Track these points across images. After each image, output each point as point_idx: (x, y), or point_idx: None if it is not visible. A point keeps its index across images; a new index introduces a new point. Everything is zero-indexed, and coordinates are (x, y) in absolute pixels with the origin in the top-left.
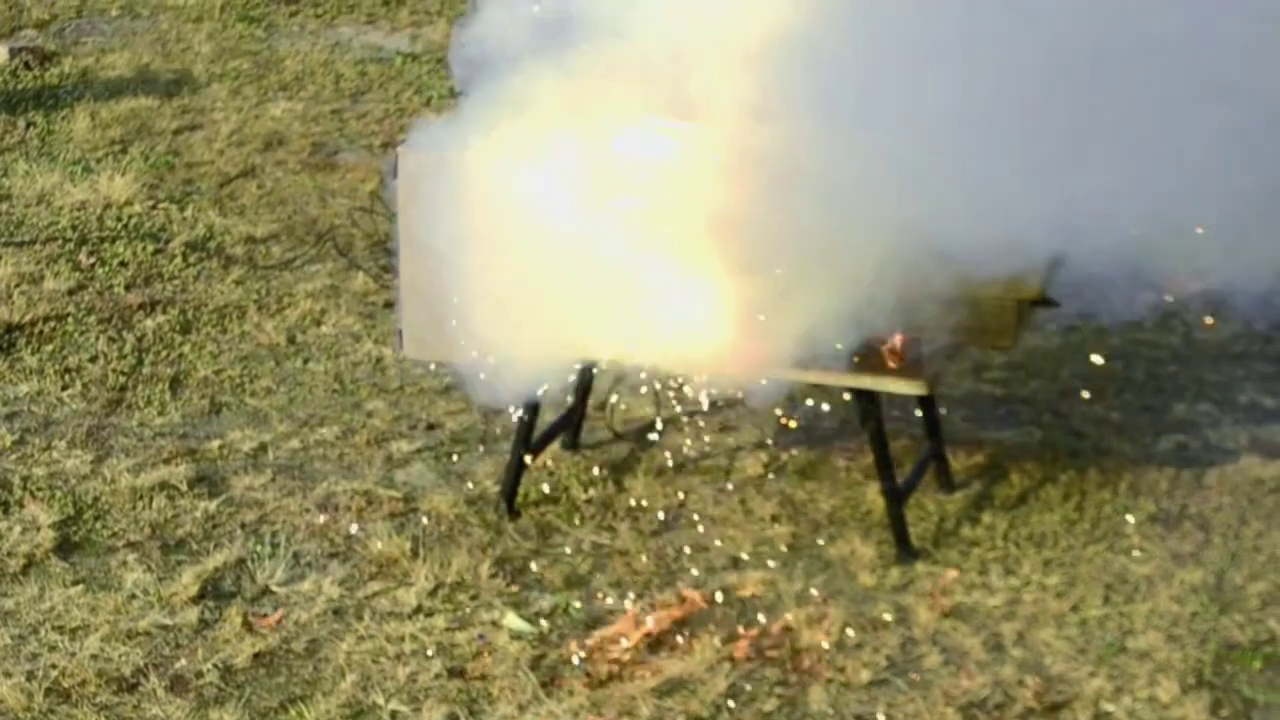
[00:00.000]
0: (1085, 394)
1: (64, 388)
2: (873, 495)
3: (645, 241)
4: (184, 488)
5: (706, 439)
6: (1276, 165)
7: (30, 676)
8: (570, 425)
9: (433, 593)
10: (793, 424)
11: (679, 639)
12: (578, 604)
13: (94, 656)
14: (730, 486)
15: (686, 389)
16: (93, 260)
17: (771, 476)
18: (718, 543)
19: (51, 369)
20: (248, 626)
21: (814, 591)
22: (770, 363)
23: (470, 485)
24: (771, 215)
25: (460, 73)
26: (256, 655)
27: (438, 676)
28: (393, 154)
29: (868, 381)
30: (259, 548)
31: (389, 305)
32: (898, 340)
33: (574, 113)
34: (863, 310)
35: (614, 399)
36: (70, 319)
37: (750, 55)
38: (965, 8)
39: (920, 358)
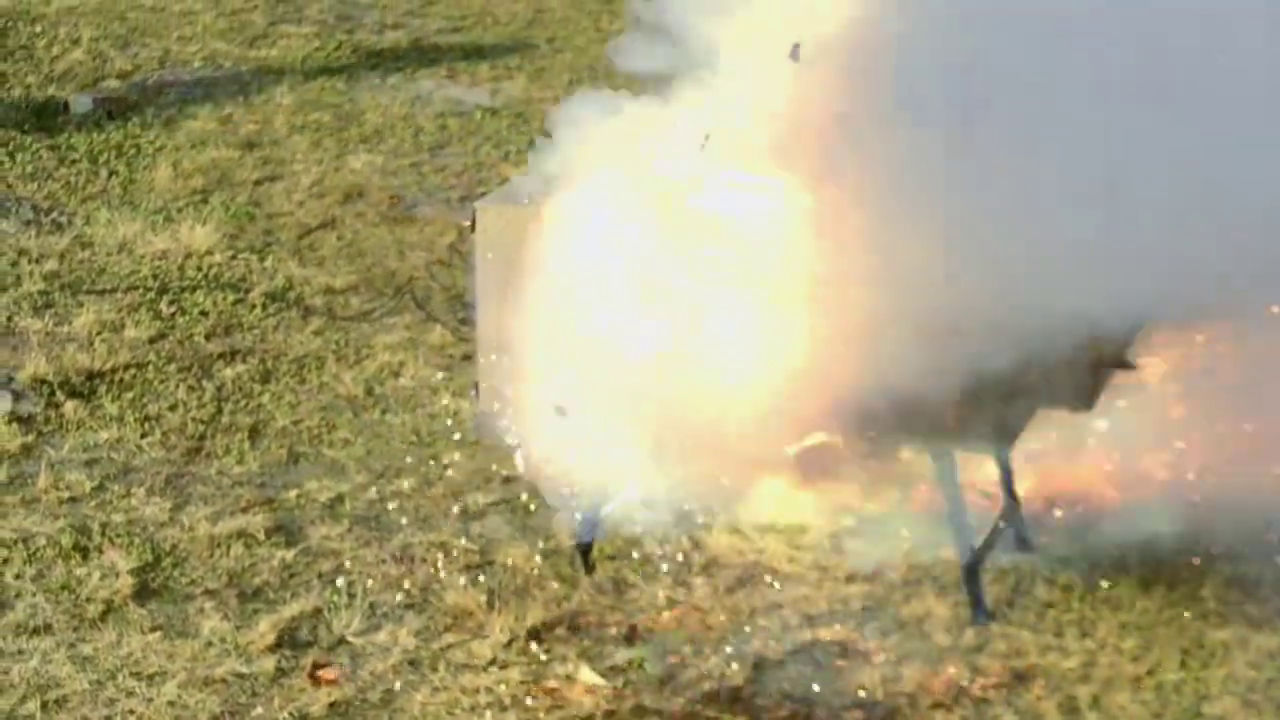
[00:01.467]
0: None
1: (143, 435)
2: (948, 554)
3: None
4: (261, 536)
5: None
6: None
7: None
8: None
9: (507, 645)
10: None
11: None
12: (652, 659)
13: (171, 703)
14: (806, 544)
15: None
16: (173, 310)
17: (847, 533)
18: (793, 601)
19: (131, 416)
20: (313, 680)
21: (888, 651)
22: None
23: (546, 539)
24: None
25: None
26: (332, 704)
27: None
28: (471, 208)
29: (945, 440)
30: (335, 597)
31: (467, 358)
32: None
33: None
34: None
35: None
36: (151, 367)
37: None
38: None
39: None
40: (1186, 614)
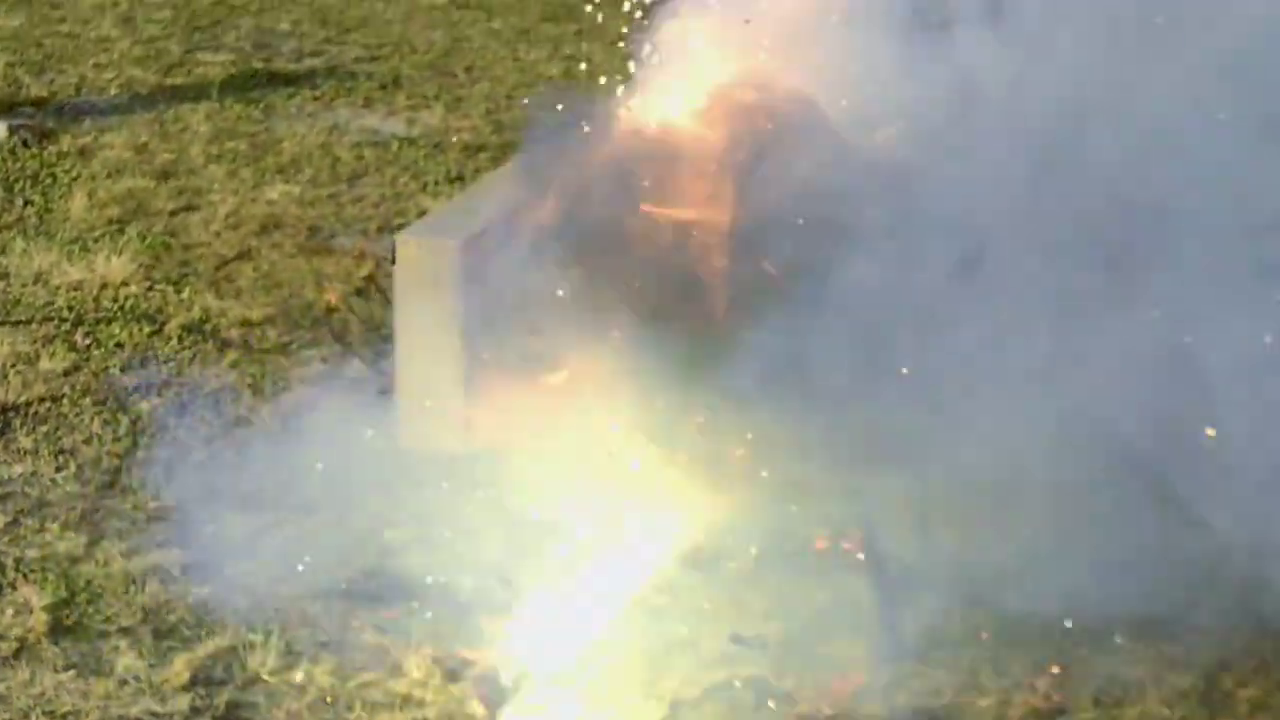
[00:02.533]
0: None
1: (58, 469)
2: (865, 590)
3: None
4: (177, 572)
5: None
6: None
7: None
8: None
9: (424, 684)
10: None
11: None
12: None
13: None
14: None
15: None
16: (88, 341)
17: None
18: (708, 639)
19: (46, 450)
20: None
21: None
22: None
23: (464, 575)
24: None
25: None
26: None
27: None
28: (390, 239)
29: (861, 475)
30: (251, 635)
31: (384, 392)
32: None
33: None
34: None
35: None
36: (65, 400)
37: None
38: None
39: None
40: (1100, 653)
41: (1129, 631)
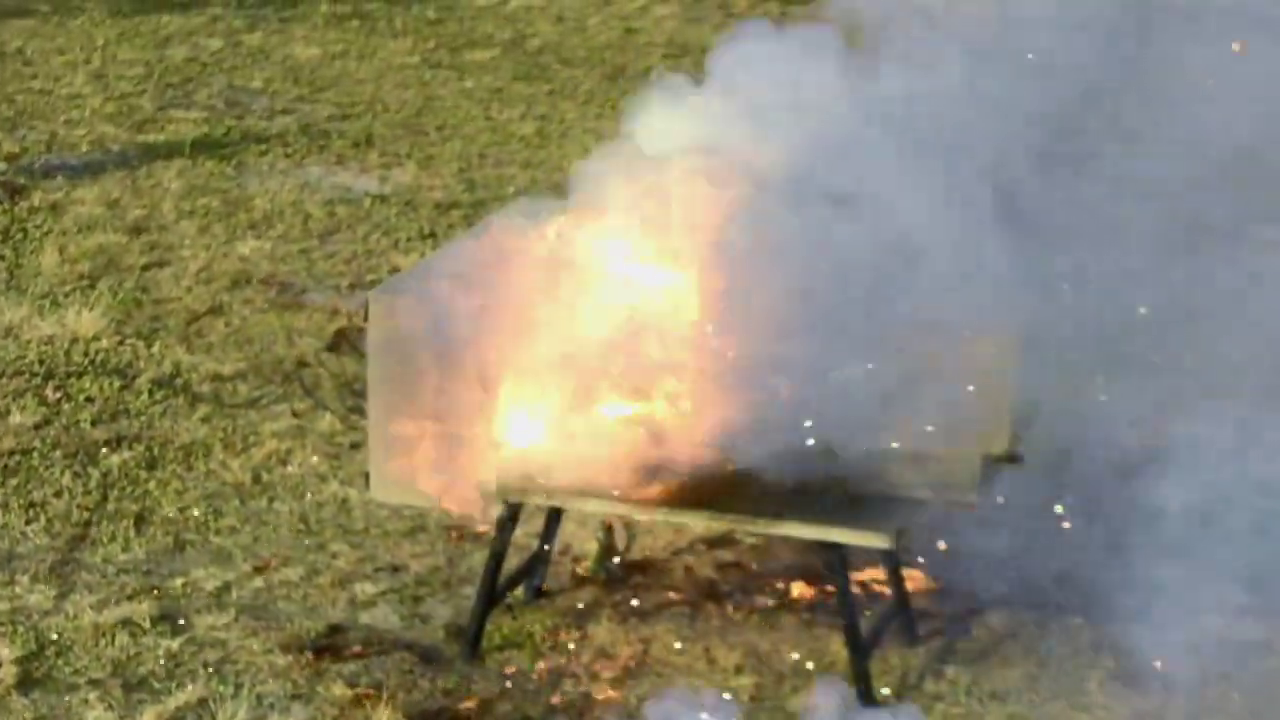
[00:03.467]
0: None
1: (28, 522)
2: (836, 647)
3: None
4: (147, 625)
5: (671, 586)
6: None
7: None
8: (535, 570)
9: None
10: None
11: None
12: None
13: None
14: (694, 635)
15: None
16: (59, 395)
17: (735, 625)
18: (680, 691)
19: (16, 503)
20: None
21: None
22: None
23: (434, 628)
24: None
25: None
26: None
27: None
28: (363, 296)
29: (835, 534)
30: (221, 688)
31: (355, 446)
32: None
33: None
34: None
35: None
36: (35, 453)
37: None
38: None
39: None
40: (1071, 707)
41: None
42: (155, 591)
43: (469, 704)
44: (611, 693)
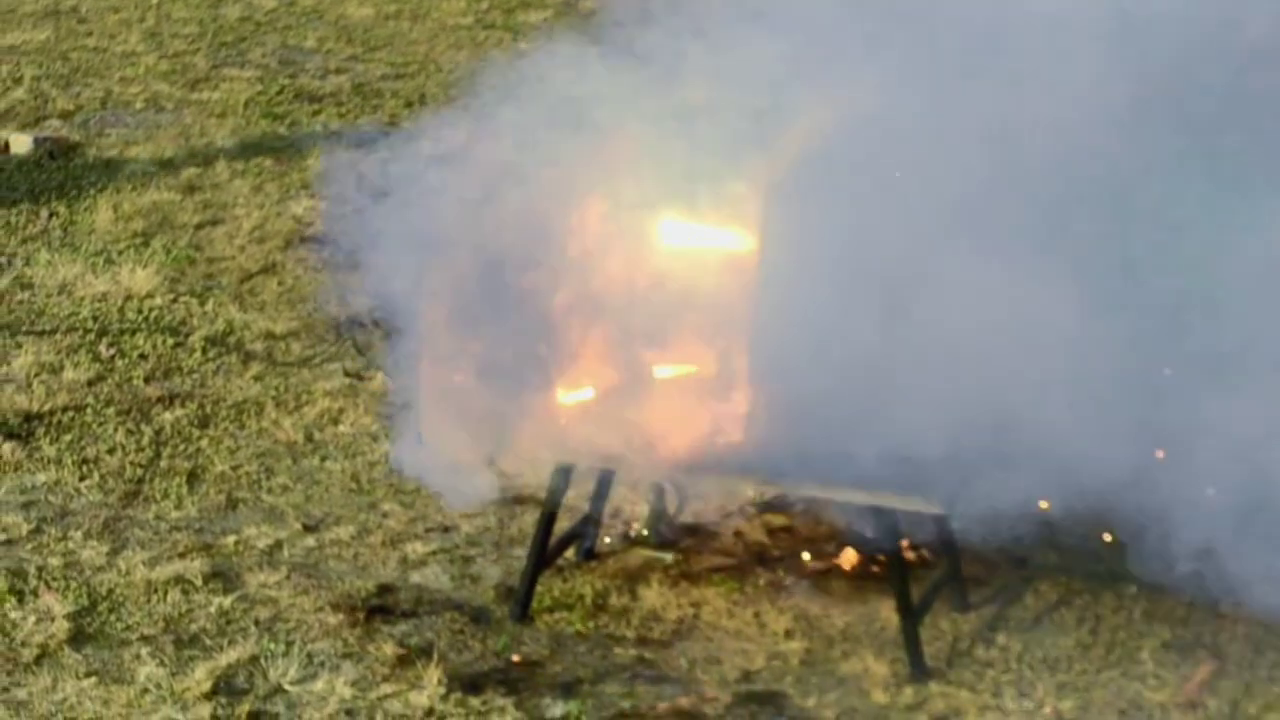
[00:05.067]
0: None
1: (81, 478)
2: (887, 612)
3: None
4: (199, 583)
5: (722, 550)
6: None
7: None
8: (586, 532)
9: (445, 697)
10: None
11: None
12: (589, 713)
13: None
14: (744, 599)
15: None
16: (112, 352)
17: (785, 589)
18: (731, 656)
19: (69, 459)
20: None
21: (827, 709)
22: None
23: (484, 589)
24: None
25: None
26: None
27: None
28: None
29: (887, 499)
30: (272, 645)
31: (407, 405)
32: None
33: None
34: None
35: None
36: (89, 410)
37: None
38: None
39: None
40: (1124, 676)
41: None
42: (207, 549)
43: (519, 667)
44: (662, 655)
